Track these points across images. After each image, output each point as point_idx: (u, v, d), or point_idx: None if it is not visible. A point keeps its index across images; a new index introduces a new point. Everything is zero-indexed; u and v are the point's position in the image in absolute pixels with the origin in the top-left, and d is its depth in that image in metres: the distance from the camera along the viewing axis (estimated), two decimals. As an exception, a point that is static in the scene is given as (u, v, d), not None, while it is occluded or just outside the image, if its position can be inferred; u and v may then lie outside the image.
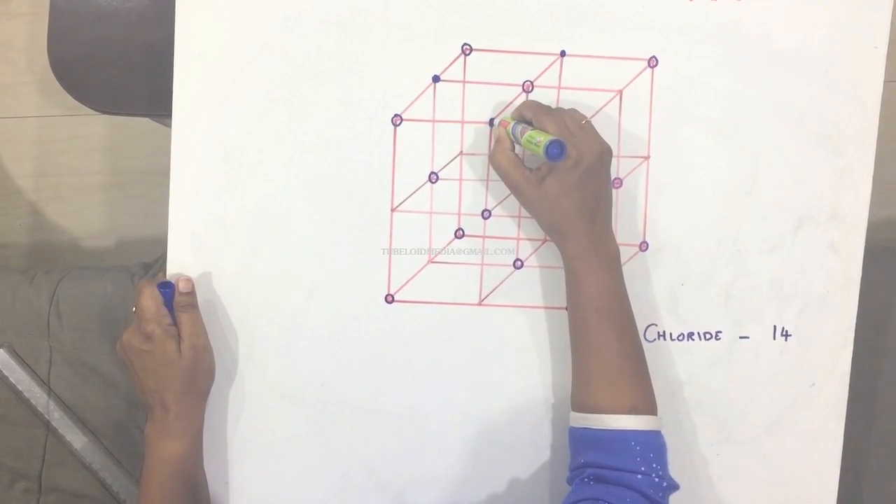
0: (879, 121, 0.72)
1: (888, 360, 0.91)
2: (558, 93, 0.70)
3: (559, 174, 0.63)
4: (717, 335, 0.73)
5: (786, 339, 0.73)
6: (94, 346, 0.88)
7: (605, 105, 0.70)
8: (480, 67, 0.70)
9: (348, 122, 0.70)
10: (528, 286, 0.72)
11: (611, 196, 0.67)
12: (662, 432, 0.63)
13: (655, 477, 0.60)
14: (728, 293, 0.73)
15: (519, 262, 0.72)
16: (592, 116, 0.70)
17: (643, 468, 0.60)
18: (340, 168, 0.70)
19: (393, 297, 0.72)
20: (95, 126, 1.35)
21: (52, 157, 1.36)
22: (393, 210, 0.71)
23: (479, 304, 0.72)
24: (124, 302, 0.89)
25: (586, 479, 0.62)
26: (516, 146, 0.67)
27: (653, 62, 0.70)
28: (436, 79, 0.70)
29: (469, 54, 0.70)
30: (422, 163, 0.70)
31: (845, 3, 0.70)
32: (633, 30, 0.70)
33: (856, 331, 0.73)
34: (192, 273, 0.70)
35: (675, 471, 0.63)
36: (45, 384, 0.88)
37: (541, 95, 0.70)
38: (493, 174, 0.69)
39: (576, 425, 0.65)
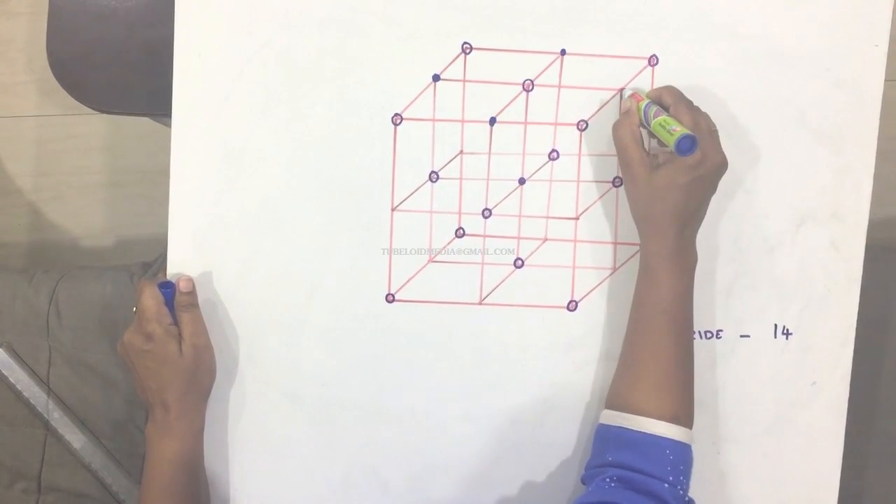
0: (880, 119, 0.71)
1: (888, 359, 0.91)
2: (558, 91, 0.70)
3: (675, 168, 0.62)
4: (717, 334, 0.73)
5: (787, 338, 0.73)
6: (93, 345, 0.88)
7: (605, 104, 0.70)
8: (480, 66, 0.70)
9: (348, 121, 0.70)
10: (528, 285, 0.72)
11: (706, 209, 0.66)
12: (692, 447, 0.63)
13: (681, 489, 0.60)
14: (729, 292, 0.73)
15: (520, 262, 0.72)
16: (593, 116, 0.70)
17: (671, 478, 0.60)
18: (341, 167, 0.70)
19: (393, 297, 0.72)
20: (95, 125, 1.35)
21: (51, 156, 1.36)
22: (393, 209, 0.71)
23: (480, 303, 0.72)
24: (124, 301, 0.89)
25: (608, 480, 0.61)
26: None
27: (653, 61, 0.70)
28: (436, 78, 0.70)
29: (469, 53, 0.70)
30: (422, 162, 0.70)
31: (846, 1, 0.70)
32: (634, 28, 0.69)
33: (856, 330, 0.73)
34: (193, 273, 0.70)
35: (675, 470, 0.63)
36: (44, 384, 0.88)
37: (541, 94, 0.70)
38: (494, 173, 0.69)
39: (609, 423, 0.64)
